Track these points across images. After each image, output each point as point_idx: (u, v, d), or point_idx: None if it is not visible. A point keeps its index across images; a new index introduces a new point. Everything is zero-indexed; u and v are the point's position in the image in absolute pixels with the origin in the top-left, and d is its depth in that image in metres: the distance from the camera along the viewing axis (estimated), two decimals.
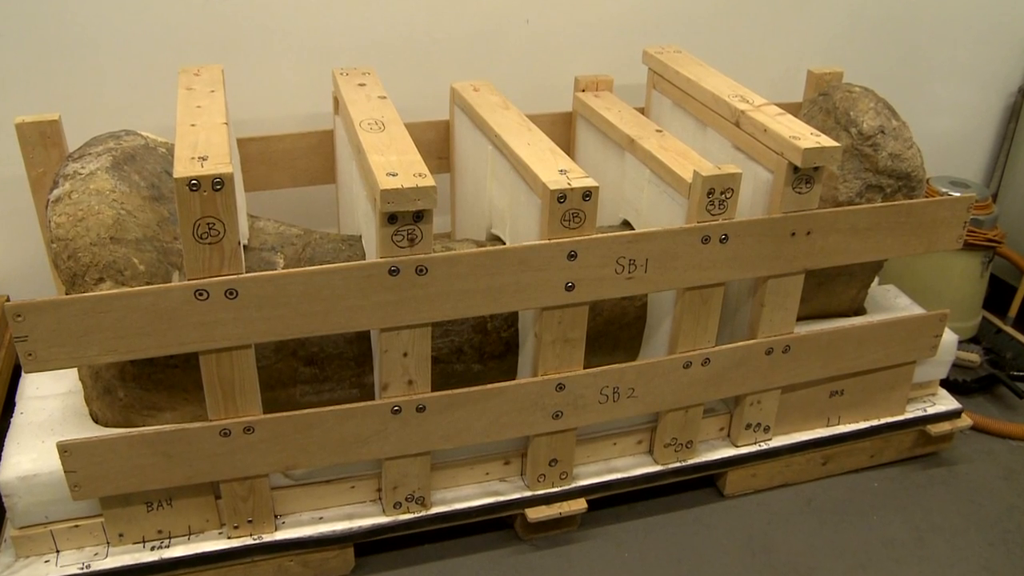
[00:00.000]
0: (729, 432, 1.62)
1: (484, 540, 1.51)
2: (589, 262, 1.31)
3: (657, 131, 1.54)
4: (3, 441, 1.34)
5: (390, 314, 1.25)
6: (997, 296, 2.23)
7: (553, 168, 1.30)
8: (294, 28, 1.71)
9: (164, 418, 1.34)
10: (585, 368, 1.40)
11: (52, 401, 1.40)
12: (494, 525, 1.53)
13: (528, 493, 1.48)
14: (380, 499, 1.44)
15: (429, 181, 1.17)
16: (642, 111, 1.78)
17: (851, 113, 1.55)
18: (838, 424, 1.67)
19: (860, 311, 1.71)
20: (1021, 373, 1.96)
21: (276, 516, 1.40)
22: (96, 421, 1.36)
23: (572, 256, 1.29)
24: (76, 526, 1.32)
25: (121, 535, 1.33)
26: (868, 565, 1.51)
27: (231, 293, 1.17)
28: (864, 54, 2.13)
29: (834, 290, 1.63)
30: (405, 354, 1.29)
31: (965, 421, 1.72)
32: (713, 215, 1.35)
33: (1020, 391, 1.91)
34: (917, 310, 1.74)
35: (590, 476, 1.52)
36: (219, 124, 1.26)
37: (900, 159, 1.53)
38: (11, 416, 1.39)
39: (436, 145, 1.75)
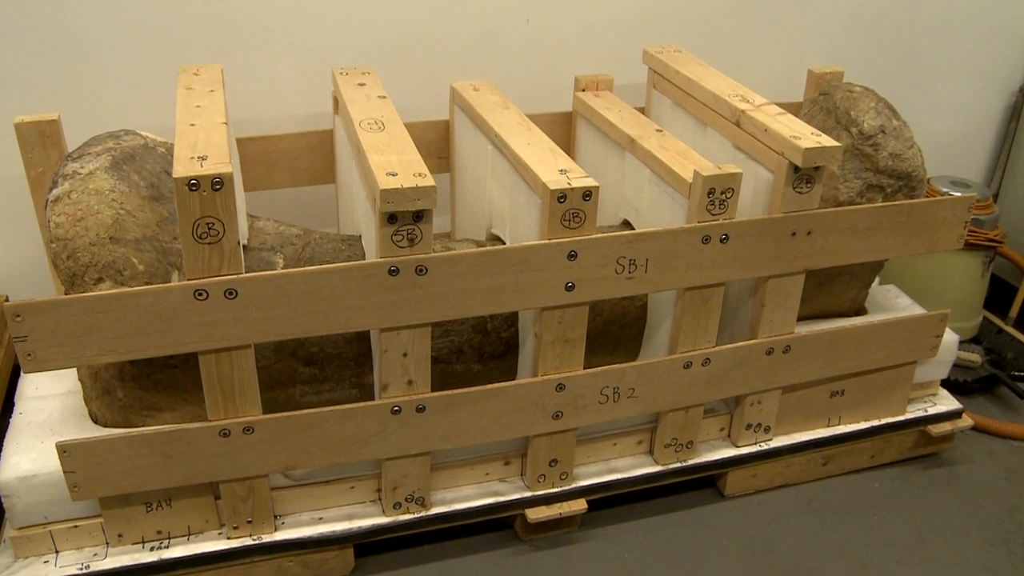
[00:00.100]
0: (729, 432, 1.62)
1: (484, 540, 1.51)
2: (589, 262, 1.30)
3: (657, 131, 1.53)
4: (2, 441, 1.33)
5: (390, 314, 1.25)
6: (998, 296, 2.23)
7: (553, 168, 1.30)
8: (294, 28, 1.71)
9: (163, 418, 1.34)
10: (585, 368, 1.40)
11: (51, 401, 1.40)
12: (494, 525, 1.52)
13: (528, 493, 1.48)
14: (380, 499, 1.44)
15: (429, 181, 1.17)
16: (642, 111, 1.78)
17: (852, 113, 1.54)
18: (839, 424, 1.67)
19: (861, 311, 1.71)
20: (1022, 373, 1.96)
21: (276, 516, 1.40)
22: (95, 421, 1.36)
23: (572, 256, 1.29)
24: (75, 527, 1.32)
25: (120, 535, 1.33)
26: (869, 566, 1.51)
27: (230, 293, 1.17)
28: (865, 54, 2.13)
29: (835, 290, 1.63)
30: (405, 354, 1.29)
31: (966, 421, 1.72)
32: (713, 215, 1.35)
33: (1021, 391, 1.90)
34: (918, 310, 1.73)
35: (590, 476, 1.52)
36: (218, 124, 1.26)
37: (901, 159, 1.52)
38: (10, 416, 1.38)
39: (436, 145, 1.75)
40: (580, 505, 1.49)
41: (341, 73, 1.58)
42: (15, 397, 1.42)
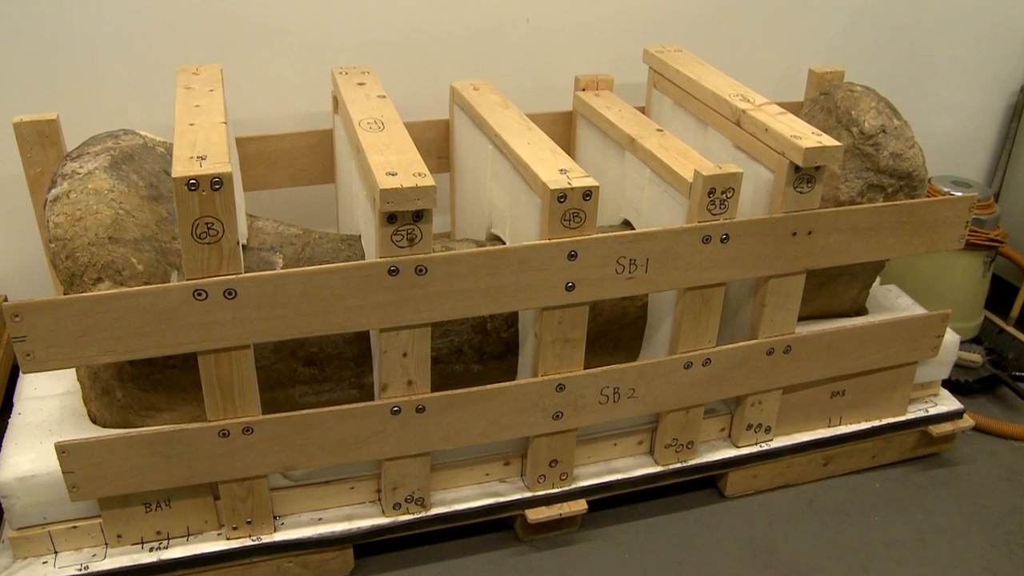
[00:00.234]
0: (730, 433, 1.62)
1: (484, 541, 1.51)
2: (589, 262, 1.30)
3: (658, 130, 1.53)
4: (1, 442, 1.33)
5: (389, 314, 1.24)
6: (999, 296, 2.23)
7: (553, 167, 1.30)
8: (293, 27, 1.71)
9: (163, 419, 1.33)
10: (585, 368, 1.40)
11: (50, 402, 1.39)
12: (494, 526, 1.52)
13: (528, 494, 1.48)
14: (380, 500, 1.44)
15: (429, 180, 1.17)
16: (643, 110, 1.77)
17: (852, 112, 1.54)
18: (839, 425, 1.67)
19: (861, 311, 1.71)
20: (1023, 373, 1.96)
21: (275, 517, 1.39)
22: (94, 422, 1.35)
23: (572, 256, 1.29)
24: (74, 527, 1.32)
25: (119, 536, 1.33)
26: (870, 566, 1.50)
27: (230, 293, 1.16)
28: (866, 53, 2.12)
29: (835, 290, 1.63)
30: (405, 354, 1.29)
31: (967, 422, 1.72)
32: (714, 215, 1.35)
33: (1022, 391, 1.90)
34: (919, 310, 1.73)
35: (590, 477, 1.52)
36: (218, 123, 1.26)
37: (902, 159, 1.52)
38: (9, 417, 1.38)
39: (436, 144, 1.75)
40: (580, 505, 1.49)
41: (341, 72, 1.58)
42: (14, 397, 1.42)
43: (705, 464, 1.58)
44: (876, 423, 1.67)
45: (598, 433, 1.52)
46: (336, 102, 1.57)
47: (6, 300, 1.61)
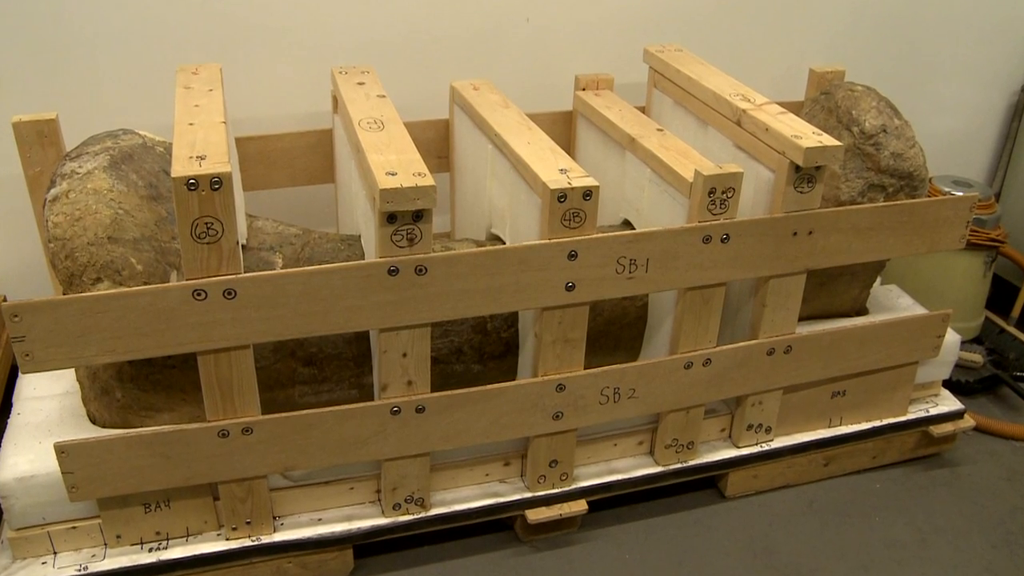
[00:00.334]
0: (730, 433, 1.62)
1: (484, 542, 1.51)
2: (589, 262, 1.30)
3: (658, 130, 1.53)
4: (0, 442, 1.33)
5: (389, 314, 1.24)
6: (1000, 296, 2.22)
7: (553, 167, 1.30)
8: (293, 26, 1.71)
9: (162, 419, 1.33)
10: (586, 368, 1.40)
11: (49, 402, 1.39)
12: (494, 526, 1.52)
13: (528, 494, 1.48)
14: (379, 500, 1.43)
15: (428, 180, 1.16)
16: (643, 110, 1.77)
17: (853, 112, 1.54)
18: (840, 425, 1.66)
19: (862, 311, 1.71)
20: None
21: (275, 517, 1.39)
22: (94, 422, 1.35)
23: (572, 256, 1.29)
24: (73, 527, 1.31)
25: (119, 536, 1.33)
26: (870, 567, 1.50)
27: (229, 293, 1.16)
28: (866, 53, 2.12)
29: (836, 290, 1.63)
30: (404, 354, 1.28)
31: (968, 422, 1.72)
32: (714, 215, 1.35)
33: (1023, 392, 1.90)
34: (919, 310, 1.73)
35: (591, 477, 1.52)
36: (217, 123, 1.26)
37: (902, 158, 1.52)
38: (8, 417, 1.38)
39: (436, 144, 1.74)
40: (580, 506, 1.48)
41: (340, 72, 1.58)
42: (13, 397, 1.42)
43: (705, 464, 1.57)
44: (877, 423, 1.67)
45: (598, 433, 1.52)
46: (336, 102, 1.57)
47: (5, 300, 1.61)
